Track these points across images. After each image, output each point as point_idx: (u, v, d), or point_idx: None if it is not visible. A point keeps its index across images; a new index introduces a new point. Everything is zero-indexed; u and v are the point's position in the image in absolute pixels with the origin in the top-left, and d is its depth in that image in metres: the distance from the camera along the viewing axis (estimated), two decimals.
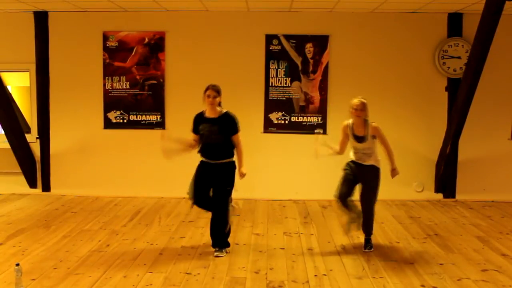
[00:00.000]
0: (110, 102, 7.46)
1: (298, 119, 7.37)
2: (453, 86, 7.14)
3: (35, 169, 7.58)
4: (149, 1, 6.62)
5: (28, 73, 7.52)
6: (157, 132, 7.34)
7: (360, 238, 5.23)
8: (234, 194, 4.98)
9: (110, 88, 7.44)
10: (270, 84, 7.35)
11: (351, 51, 7.27)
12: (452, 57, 7.13)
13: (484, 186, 7.34)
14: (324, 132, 7.27)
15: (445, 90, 7.24)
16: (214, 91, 4.74)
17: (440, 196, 7.40)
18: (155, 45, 7.38)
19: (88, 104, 7.47)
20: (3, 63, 7.45)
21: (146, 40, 7.37)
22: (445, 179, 7.30)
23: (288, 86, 7.34)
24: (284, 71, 7.32)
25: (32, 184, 7.57)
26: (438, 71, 7.20)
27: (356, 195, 5.04)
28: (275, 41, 7.29)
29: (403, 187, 7.22)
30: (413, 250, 5.07)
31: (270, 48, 7.31)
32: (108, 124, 7.49)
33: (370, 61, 7.27)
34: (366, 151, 4.93)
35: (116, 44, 7.38)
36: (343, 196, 4.97)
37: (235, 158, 4.89)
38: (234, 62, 7.33)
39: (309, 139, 7.31)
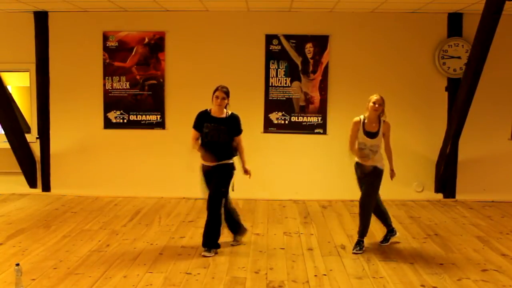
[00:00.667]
0: (110, 102, 7.46)
1: (298, 119, 7.37)
2: (453, 86, 7.14)
3: (35, 169, 7.58)
4: (149, 1, 6.62)
5: (28, 73, 7.52)
6: (157, 132, 7.36)
7: None
8: (231, 194, 5.03)
9: (110, 88, 7.44)
10: (270, 84, 7.35)
11: (351, 51, 7.27)
12: (452, 57, 7.13)
13: (484, 186, 7.34)
14: (324, 132, 7.27)
15: (445, 90, 7.24)
16: (223, 93, 4.87)
17: (440, 196, 7.40)
18: (155, 45, 7.38)
19: (88, 104, 7.47)
20: (3, 63, 7.45)
21: (146, 40, 7.37)
22: (445, 179, 7.30)
23: (288, 86, 7.35)
24: (284, 71, 7.32)
25: (32, 184, 7.57)
26: (438, 71, 7.20)
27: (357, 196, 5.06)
28: (275, 41, 7.30)
29: (403, 187, 7.22)
30: (413, 250, 5.07)
31: (270, 48, 7.31)
32: (108, 124, 7.49)
33: (370, 61, 7.27)
34: (373, 148, 4.91)
35: (116, 44, 7.38)
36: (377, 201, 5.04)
37: (233, 160, 4.97)
38: (234, 62, 7.33)
39: (309, 139, 7.33)
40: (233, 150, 4.97)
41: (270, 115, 7.39)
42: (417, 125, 7.32)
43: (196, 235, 5.49)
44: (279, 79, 7.34)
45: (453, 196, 7.38)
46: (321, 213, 6.60)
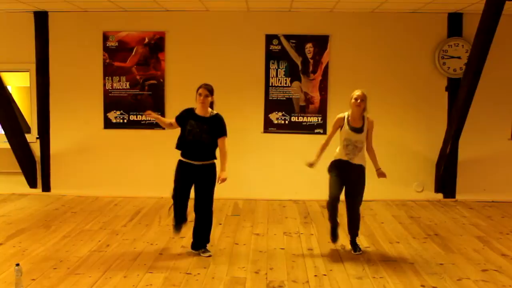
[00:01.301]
0: (110, 102, 7.46)
1: (298, 119, 7.37)
2: (453, 86, 7.14)
3: (35, 169, 7.58)
4: (149, 1, 6.62)
5: (28, 73, 7.52)
6: (157, 132, 7.36)
7: (361, 238, 5.23)
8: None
9: (110, 88, 7.44)
10: (270, 84, 7.35)
11: (351, 51, 7.27)
12: (452, 57, 7.13)
13: (484, 186, 7.34)
14: (324, 132, 7.27)
15: (445, 90, 7.25)
16: (206, 90, 4.74)
17: (440, 196, 7.40)
18: (155, 45, 7.38)
19: (88, 104, 7.47)
20: (3, 63, 7.45)
21: (146, 40, 7.37)
22: (445, 179, 7.30)
23: (288, 86, 7.34)
24: (284, 71, 7.32)
25: (32, 184, 7.57)
26: (438, 71, 7.20)
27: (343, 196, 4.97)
28: (275, 41, 7.29)
29: (403, 187, 7.22)
30: (413, 250, 5.07)
31: (270, 48, 7.31)
32: (108, 124, 7.49)
33: (370, 61, 7.27)
34: (358, 144, 4.84)
35: (116, 44, 7.38)
36: (337, 199, 4.88)
37: (216, 161, 4.81)
38: (234, 62, 7.33)
39: (309, 139, 7.32)
40: (216, 151, 4.76)
41: (270, 115, 7.39)
42: (417, 125, 7.32)
43: None
44: (279, 79, 7.34)
45: (453, 196, 7.38)
46: (321, 213, 6.59)
